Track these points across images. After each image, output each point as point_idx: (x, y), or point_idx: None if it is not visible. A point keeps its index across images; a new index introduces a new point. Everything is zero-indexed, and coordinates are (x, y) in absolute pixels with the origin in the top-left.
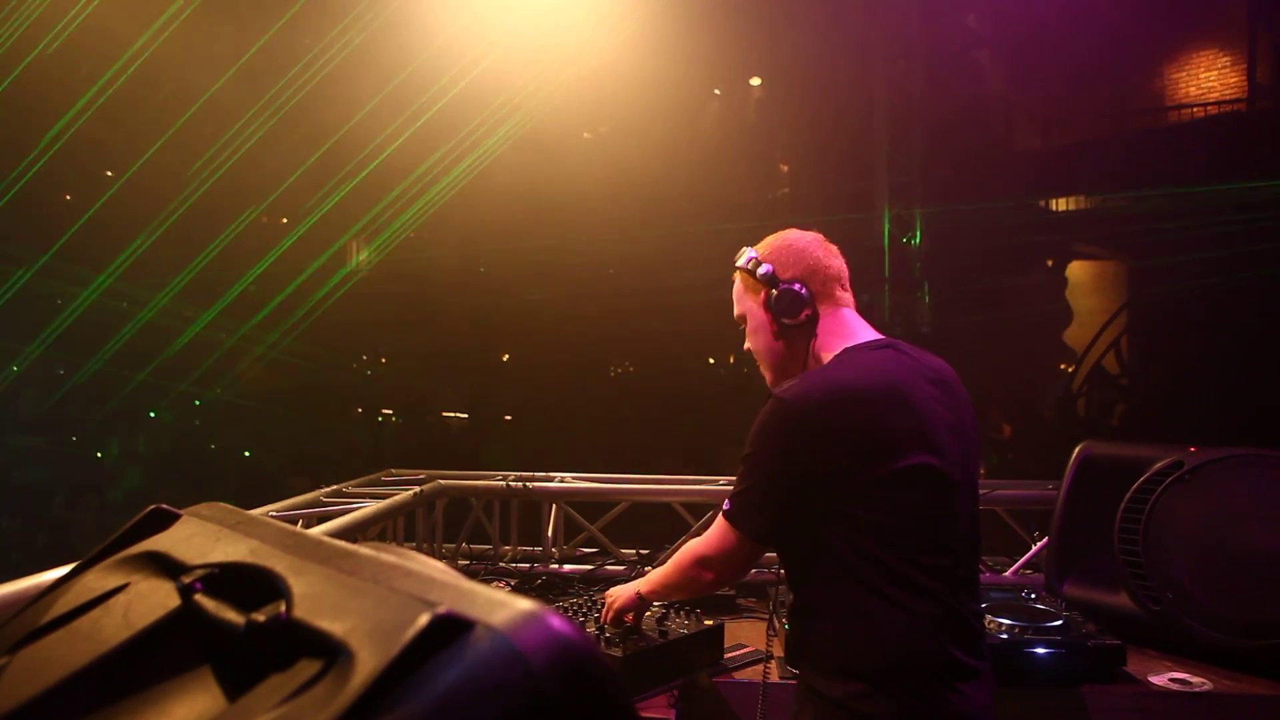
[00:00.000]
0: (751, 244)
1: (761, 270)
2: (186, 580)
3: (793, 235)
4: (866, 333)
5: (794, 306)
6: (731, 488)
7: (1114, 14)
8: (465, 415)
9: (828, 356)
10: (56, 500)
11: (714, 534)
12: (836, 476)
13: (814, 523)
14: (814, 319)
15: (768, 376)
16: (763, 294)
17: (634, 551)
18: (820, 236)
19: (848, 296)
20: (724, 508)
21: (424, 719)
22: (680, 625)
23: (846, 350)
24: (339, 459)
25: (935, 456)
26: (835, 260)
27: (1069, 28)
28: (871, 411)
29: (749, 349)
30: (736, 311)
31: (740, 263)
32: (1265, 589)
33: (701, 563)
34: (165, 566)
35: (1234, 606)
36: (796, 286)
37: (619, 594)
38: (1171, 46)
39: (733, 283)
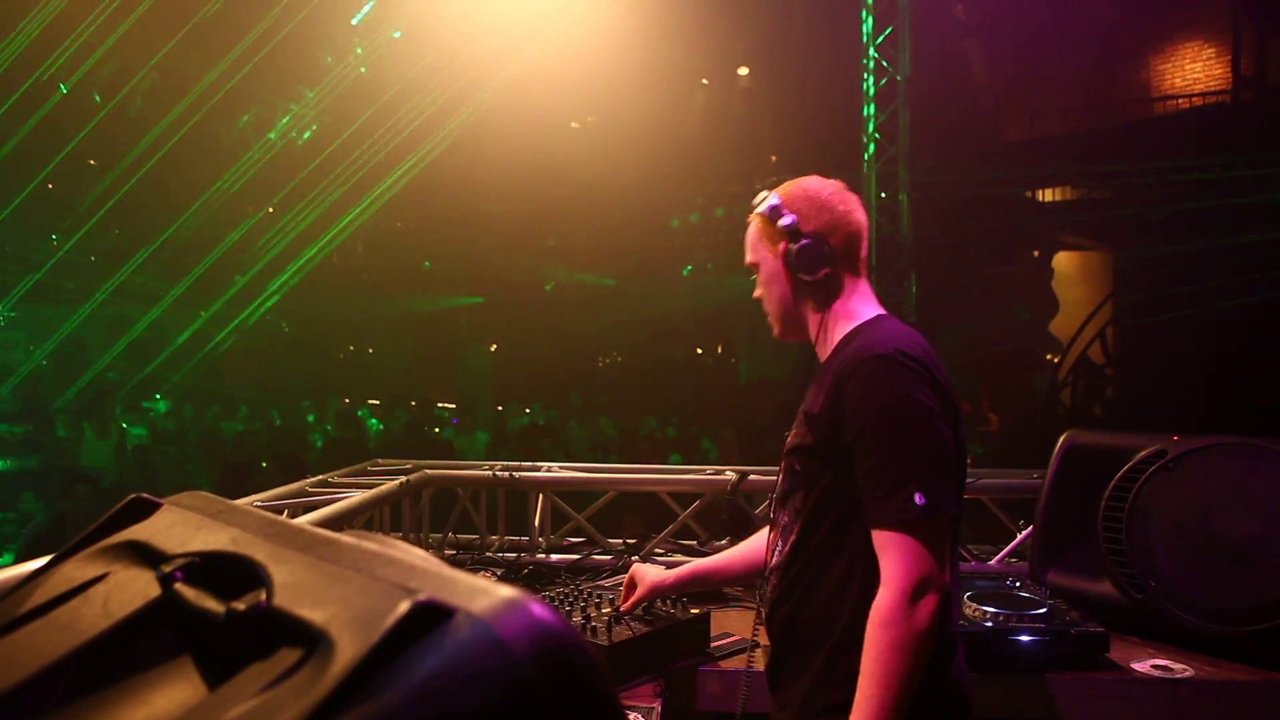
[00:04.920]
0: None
1: (783, 221)
2: (167, 569)
3: (815, 184)
4: (878, 305)
5: (814, 263)
6: (887, 486)
7: (1100, 6)
8: (453, 405)
9: (853, 322)
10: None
11: (902, 557)
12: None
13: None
14: (832, 278)
15: (775, 328)
16: (781, 245)
17: (621, 541)
18: (842, 185)
19: (864, 257)
20: (908, 515)
21: (404, 706)
22: (666, 614)
23: (879, 316)
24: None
25: (960, 424)
26: (857, 213)
27: (1056, 19)
28: (941, 370)
29: (758, 297)
30: (749, 258)
31: (760, 209)
32: (1247, 576)
33: (911, 607)
34: (145, 556)
35: (1216, 594)
36: (818, 243)
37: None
38: (1157, 38)
39: (747, 225)
